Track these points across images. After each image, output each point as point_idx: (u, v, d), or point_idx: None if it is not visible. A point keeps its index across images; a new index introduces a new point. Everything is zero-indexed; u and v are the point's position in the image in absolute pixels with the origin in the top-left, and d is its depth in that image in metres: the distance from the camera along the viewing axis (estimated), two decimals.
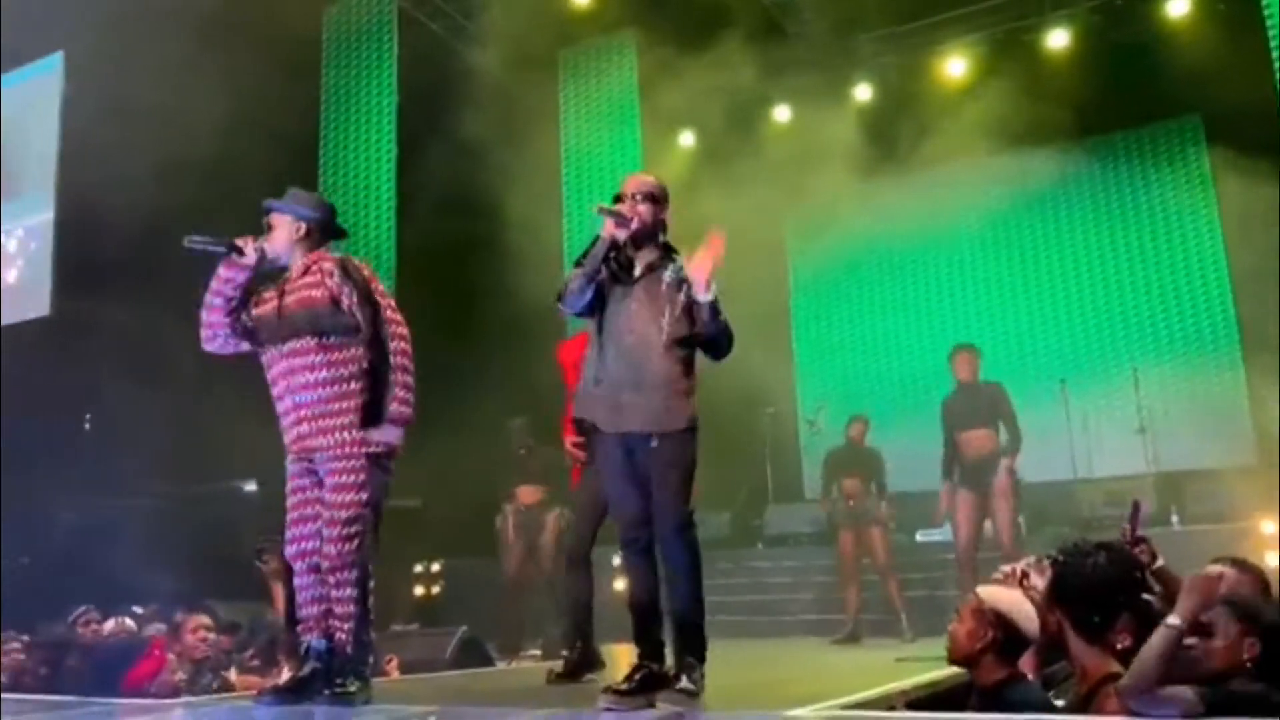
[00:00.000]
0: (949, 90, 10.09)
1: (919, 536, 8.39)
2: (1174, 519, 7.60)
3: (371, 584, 3.24)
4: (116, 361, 7.48)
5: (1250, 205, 8.13)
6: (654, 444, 3.09)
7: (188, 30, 7.17)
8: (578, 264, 3.30)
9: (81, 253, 8.24)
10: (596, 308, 3.28)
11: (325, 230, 3.54)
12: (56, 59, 8.48)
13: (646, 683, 2.93)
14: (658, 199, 3.37)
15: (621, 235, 3.26)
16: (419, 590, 8.67)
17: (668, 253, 3.36)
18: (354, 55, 9.16)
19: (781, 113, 10.91)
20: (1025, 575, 2.84)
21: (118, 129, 7.12)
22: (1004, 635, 2.52)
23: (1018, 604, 2.58)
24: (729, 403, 9.11)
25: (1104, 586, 2.37)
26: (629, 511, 3.14)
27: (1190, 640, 2.21)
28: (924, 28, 10.12)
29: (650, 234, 3.33)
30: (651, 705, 2.86)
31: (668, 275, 3.25)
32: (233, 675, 4.77)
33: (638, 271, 3.31)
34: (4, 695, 4.02)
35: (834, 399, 9.93)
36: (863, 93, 10.62)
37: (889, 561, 7.18)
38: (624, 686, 2.92)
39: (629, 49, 9.67)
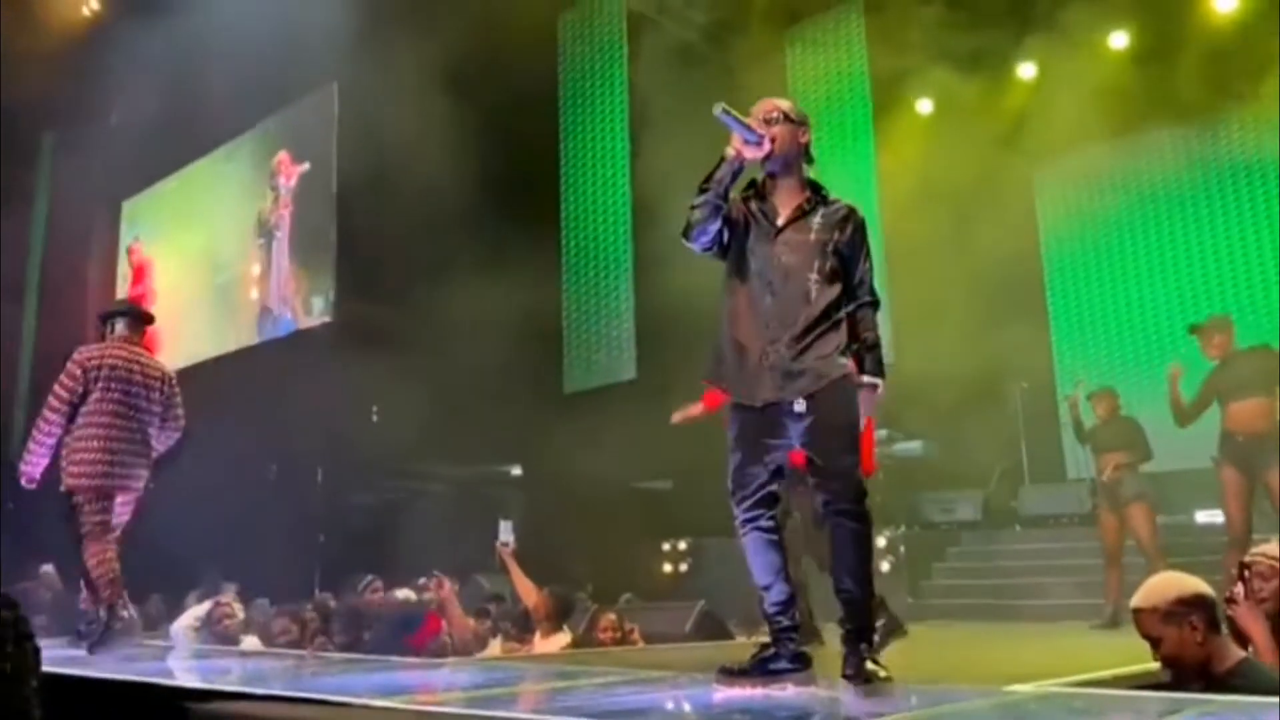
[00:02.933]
0: (1217, 30, 9.16)
1: (1199, 517, 7.75)
2: None
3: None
4: (395, 360, 8.29)
5: None
6: (805, 411, 2.75)
7: (438, 54, 7.81)
8: (701, 190, 2.89)
9: (357, 262, 9.18)
10: (731, 251, 2.91)
11: None
12: (332, 89, 9.48)
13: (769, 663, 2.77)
14: (795, 120, 2.92)
15: (751, 157, 2.84)
16: (667, 567, 9.00)
17: (816, 192, 2.94)
18: (588, 58, 9.60)
19: (1026, 70, 10.31)
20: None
21: (384, 150, 7.91)
22: (1205, 619, 2.35)
23: (1182, 580, 2.40)
24: (978, 378, 8.82)
25: None
26: (759, 485, 2.83)
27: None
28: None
29: (790, 165, 2.91)
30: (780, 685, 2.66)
31: (817, 221, 2.86)
32: (497, 643, 5.23)
33: (781, 218, 2.89)
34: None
35: (1091, 372, 9.30)
36: (1118, 40, 9.84)
37: (1155, 543, 6.67)
38: (737, 667, 2.75)
39: (856, 21, 9.50)
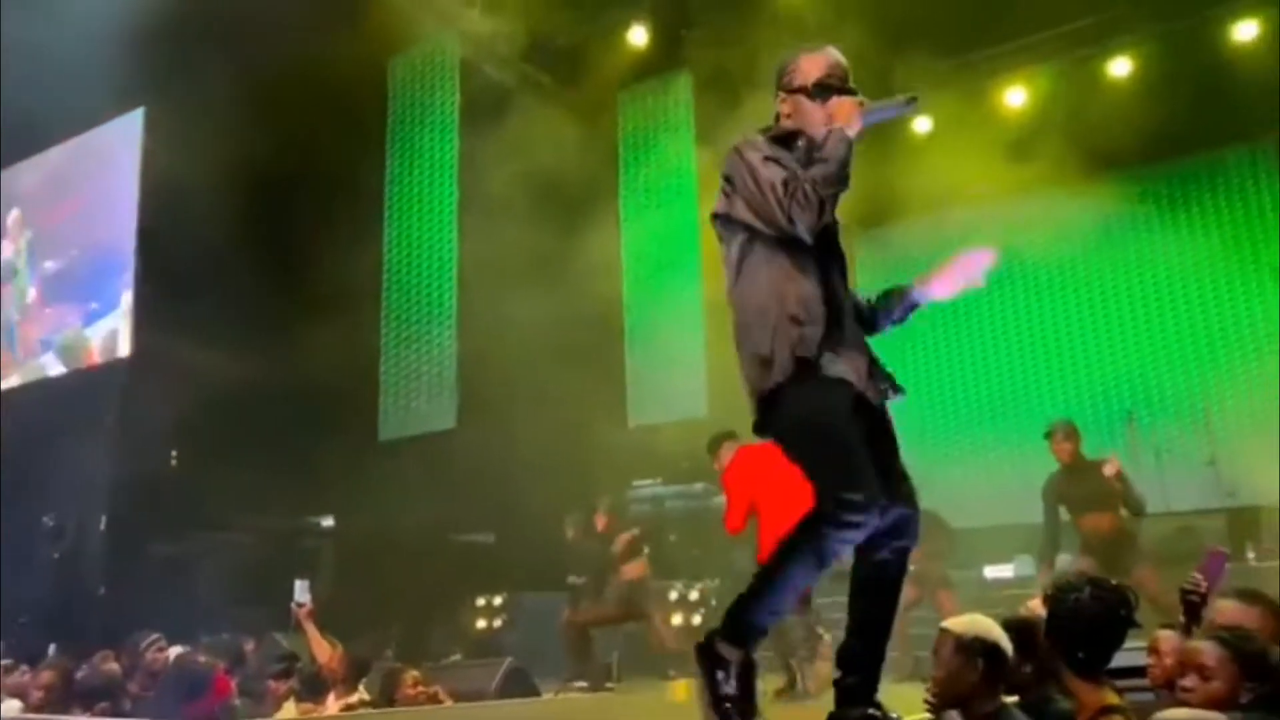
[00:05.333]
0: (1011, 119, 10.01)
1: (988, 572, 8.23)
2: (1249, 554, 7.33)
3: None
4: (199, 401, 7.84)
5: None
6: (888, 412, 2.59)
7: (259, 86, 7.56)
8: (786, 185, 2.47)
9: (160, 294, 8.70)
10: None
11: None
12: (138, 114, 9.01)
13: None
14: None
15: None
16: (481, 623, 8.81)
17: None
18: (417, 103, 9.50)
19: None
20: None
21: (194, 187, 7.55)
22: (989, 664, 2.52)
23: (991, 627, 2.58)
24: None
25: (1090, 623, 2.36)
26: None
27: (1187, 682, 2.19)
28: (982, 59, 10.02)
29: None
30: None
31: None
32: (292, 704, 4.96)
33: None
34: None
35: (908, 424, 9.79)
36: (922, 124, 10.58)
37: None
38: None
39: (685, 85, 9.84)
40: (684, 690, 6.97)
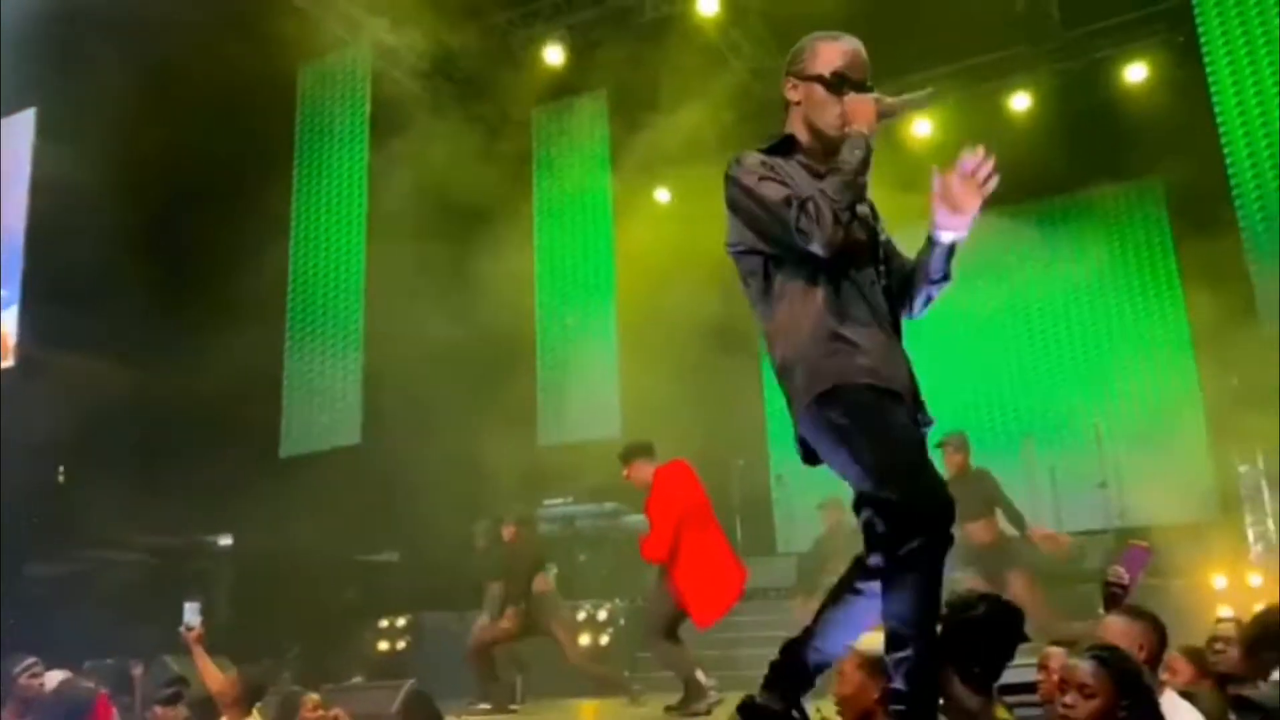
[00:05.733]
0: (915, 150, 10.31)
1: None
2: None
3: None
4: (88, 412, 7.52)
5: (1210, 265, 8.26)
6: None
7: (158, 88, 7.32)
8: (789, 201, 2.34)
9: (49, 300, 8.32)
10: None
11: None
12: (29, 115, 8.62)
13: None
14: None
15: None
16: (384, 644, 8.61)
17: None
18: (327, 114, 9.32)
19: None
20: None
21: (88, 186, 7.25)
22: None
23: None
24: (697, 453, 9.21)
25: (983, 638, 2.42)
26: None
27: (1068, 699, 2.25)
28: (892, 90, 10.29)
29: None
30: None
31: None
32: None
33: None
34: None
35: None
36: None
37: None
38: None
39: (600, 106, 9.87)
40: (590, 712, 6.93)
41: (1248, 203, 7.56)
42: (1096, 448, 8.84)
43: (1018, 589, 6.07)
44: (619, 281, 9.58)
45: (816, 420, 2.38)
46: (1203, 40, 7.86)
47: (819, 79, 2.50)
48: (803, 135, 2.55)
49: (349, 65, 9.21)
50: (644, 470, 6.02)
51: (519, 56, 9.83)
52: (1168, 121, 8.87)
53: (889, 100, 2.47)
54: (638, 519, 9.78)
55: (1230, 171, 7.67)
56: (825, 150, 2.50)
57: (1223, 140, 7.64)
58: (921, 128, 10.37)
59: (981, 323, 10.58)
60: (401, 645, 8.59)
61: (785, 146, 2.55)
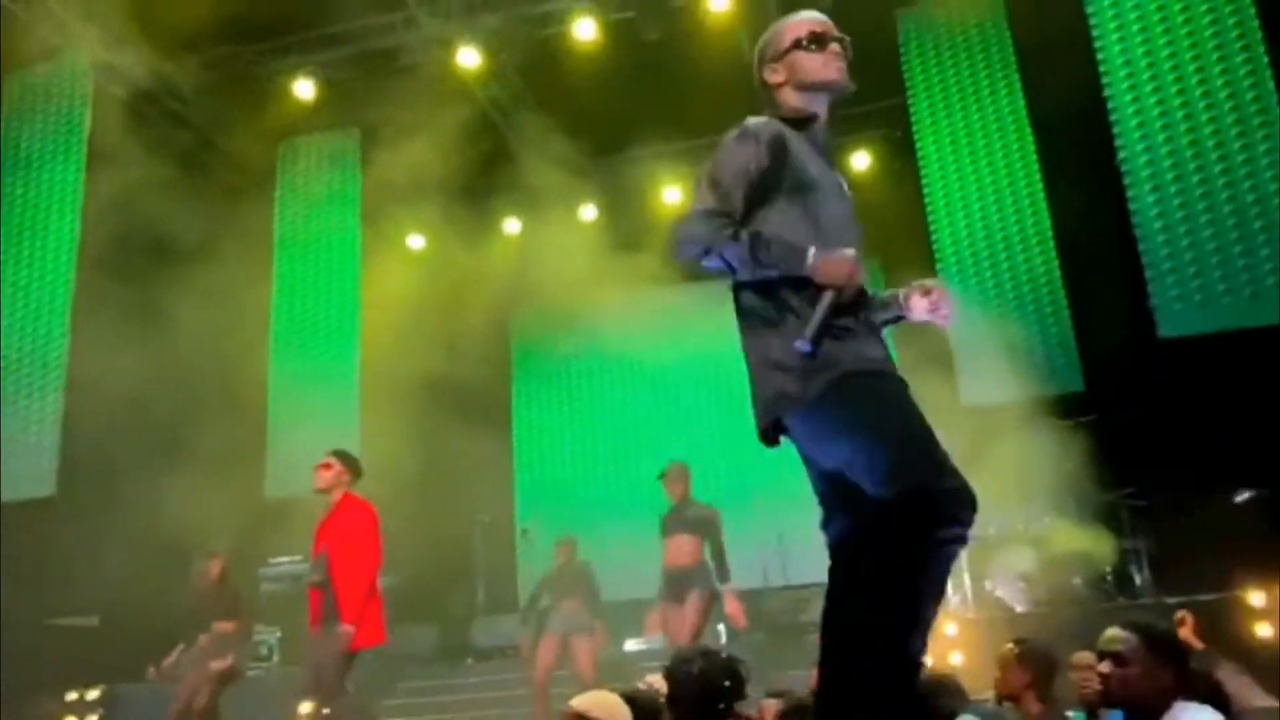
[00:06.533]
0: (661, 215, 10.76)
1: (627, 645, 8.47)
2: None
3: None
4: None
5: (918, 339, 9.03)
6: None
7: None
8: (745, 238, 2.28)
9: None
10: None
11: None
12: None
13: None
14: None
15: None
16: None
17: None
18: (38, 132, 8.41)
19: (511, 225, 11.15)
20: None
21: None
22: None
23: (614, 703, 2.63)
24: (440, 506, 8.99)
25: (703, 692, 2.48)
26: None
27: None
28: (648, 156, 10.68)
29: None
30: None
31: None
32: None
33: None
34: None
35: (551, 507, 9.97)
36: (589, 212, 11.08)
37: (593, 673, 7.14)
38: None
39: (353, 147, 9.57)
40: None
41: (951, 283, 8.41)
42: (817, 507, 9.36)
43: (691, 611, 6.29)
44: (364, 327, 9.25)
45: (824, 413, 2.26)
46: (916, 138, 8.77)
47: (796, 44, 2.55)
48: (797, 105, 2.55)
49: (65, 78, 8.37)
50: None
51: (267, 87, 9.37)
52: (885, 207, 9.75)
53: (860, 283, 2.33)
54: None
55: (935, 254, 8.55)
56: (814, 98, 2.54)
57: (930, 225, 8.52)
58: (673, 196, 10.82)
59: (718, 382, 11.08)
60: None
61: (790, 122, 2.50)
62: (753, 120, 2.44)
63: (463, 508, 9.54)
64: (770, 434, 2.40)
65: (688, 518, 6.60)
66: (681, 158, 10.75)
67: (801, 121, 2.50)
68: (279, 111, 9.41)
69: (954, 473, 2.12)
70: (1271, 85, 6.75)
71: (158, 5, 7.90)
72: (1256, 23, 6.85)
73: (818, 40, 2.53)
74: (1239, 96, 6.78)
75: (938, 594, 2.11)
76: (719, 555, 6.51)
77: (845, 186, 2.51)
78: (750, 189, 2.33)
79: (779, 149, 2.36)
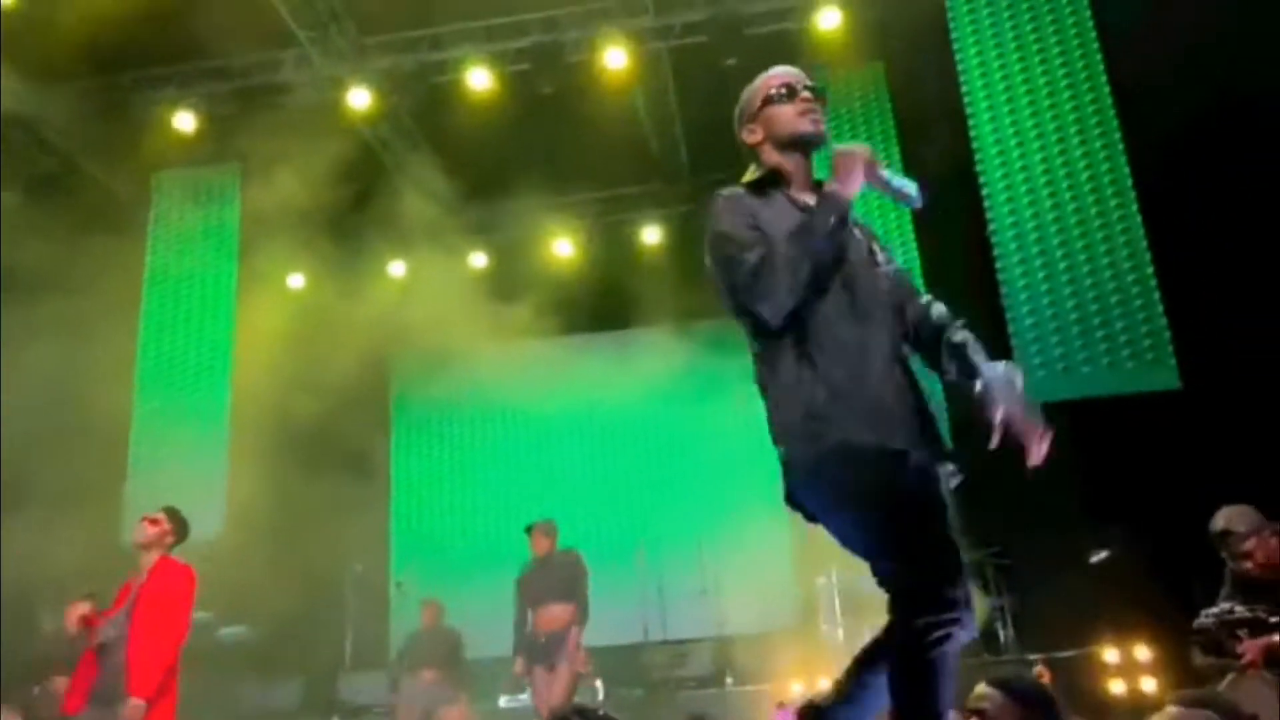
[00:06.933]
0: (556, 268, 10.78)
1: (502, 702, 8.26)
2: (728, 680, 8.13)
3: None
4: None
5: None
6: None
7: None
8: (757, 265, 2.28)
9: None
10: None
11: None
12: None
13: None
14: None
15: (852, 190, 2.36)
16: None
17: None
18: None
19: (396, 268, 10.97)
20: None
21: None
22: None
23: None
24: (311, 557, 8.63)
25: None
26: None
27: None
28: (539, 207, 10.68)
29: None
30: None
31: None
32: None
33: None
34: None
35: (427, 559, 9.73)
36: (478, 260, 11.00)
37: None
38: None
39: (233, 181, 9.29)
40: None
41: None
42: (699, 561, 9.41)
43: (565, 673, 6.22)
44: (237, 367, 8.90)
45: (815, 489, 2.32)
46: None
47: (767, 100, 2.57)
48: (777, 161, 2.56)
49: None
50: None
51: (144, 118, 9.04)
52: None
53: (881, 172, 2.44)
54: (236, 631, 8.94)
55: None
56: (804, 157, 2.54)
57: None
58: (563, 248, 10.85)
59: (605, 433, 11.08)
60: None
61: (767, 181, 2.53)
62: (721, 191, 2.51)
63: (335, 557, 9.20)
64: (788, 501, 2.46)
65: (559, 578, 6.52)
66: (572, 210, 10.82)
67: (786, 178, 2.54)
68: (156, 143, 9.08)
69: (932, 563, 2.15)
70: (1126, 170, 7.22)
71: (34, 29, 7.58)
72: (1113, 112, 7.33)
73: (789, 91, 2.56)
74: (1098, 179, 7.22)
75: (947, 685, 2.13)
76: (584, 605, 6.47)
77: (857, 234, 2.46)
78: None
79: (742, 209, 2.42)
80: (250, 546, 7.63)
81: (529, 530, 6.76)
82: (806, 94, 2.55)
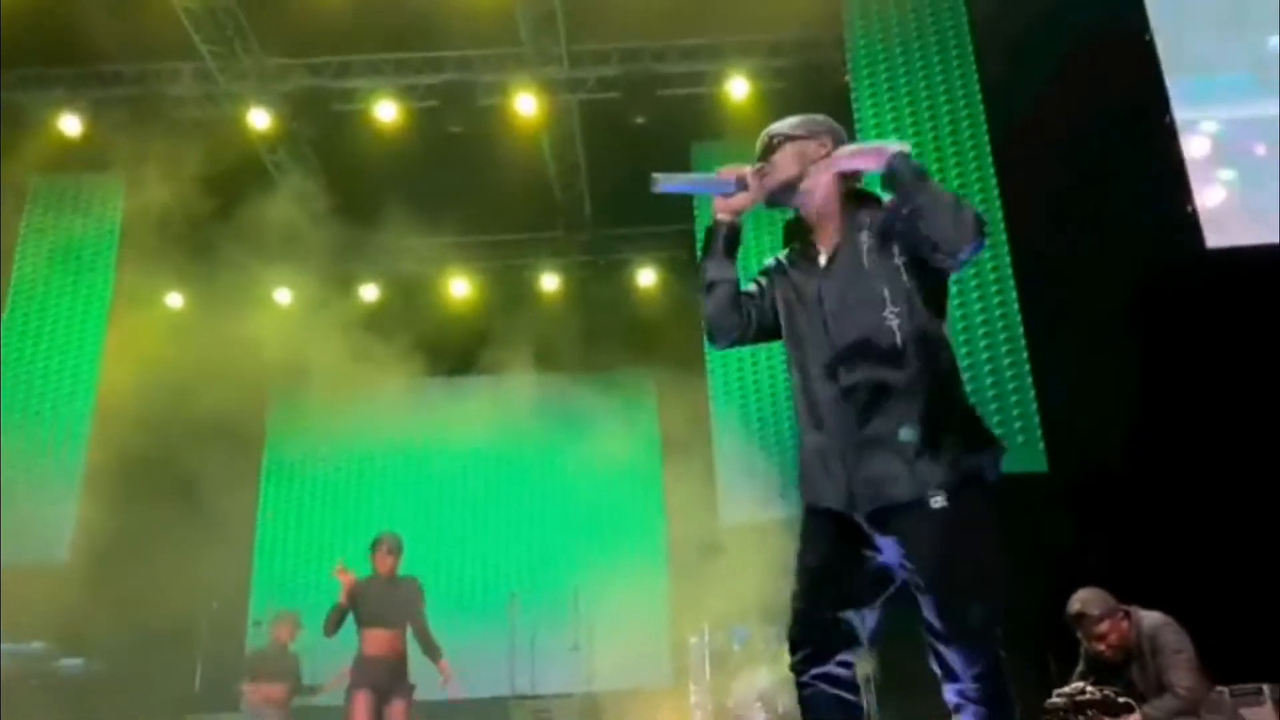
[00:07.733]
0: (452, 307, 10.65)
1: None
2: None
3: None
4: None
5: (685, 452, 9.22)
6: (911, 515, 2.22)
7: None
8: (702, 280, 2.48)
9: None
10: (775, 326, 2.44)
11: None
12: None
13: None
14: (802, 136, 2.42)
15: (736, 207, 2.41)
16: None
17: (866, 203, 2.37)
18: None
19: (282, 295, 10.63)
20: None
21: None
22: None
23: None
24: (165, 590, 8.17)
25: None
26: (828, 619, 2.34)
27: None
28: (436, 245, 10.50)
29: (814, 193, 2.38)
30: None
31: (865, 234, 2.30)
32: None
33: (823, 256, 2.36)
34: None
35: (289, 600, 9.31)
36: (369, 293, 10.77)
37: None
38: None
39: (115, 190, 8.90)
40: None
41: (720, 407, 8.81)
42: (573, 613, 9.25)
43: (399, 712, 5.88)
44: (102, 387, 8.45)
45: None
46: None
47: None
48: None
49: None
50: None
51: (26, 118, 8.61)
52: (665, 324, 10.06)
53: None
54: (75, 663, 8.35)
55: (710, 374, 8.90)
56: (807, 218, 2.49)
57: (707, 348, 8.84)
58: (458, 288, 10.74)
59: (479, 481, 10.89)
60: None
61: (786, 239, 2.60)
62: None
63: (191, 593, 8.73)
64: None
65: (396, 602, 6.10)
66: (472, 251, 10.72)
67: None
68: (38, 146, 8.66)
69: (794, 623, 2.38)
70: (1009, 260, 7.56)
71: None
72: (995, 180, 7.69)
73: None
74: (980, 265, 7.54)
75: None
76: (425, 629, 6.09)
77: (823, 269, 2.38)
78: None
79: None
80: (100, 577, 7.19)
81: (375, 543, 6.26)
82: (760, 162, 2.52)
